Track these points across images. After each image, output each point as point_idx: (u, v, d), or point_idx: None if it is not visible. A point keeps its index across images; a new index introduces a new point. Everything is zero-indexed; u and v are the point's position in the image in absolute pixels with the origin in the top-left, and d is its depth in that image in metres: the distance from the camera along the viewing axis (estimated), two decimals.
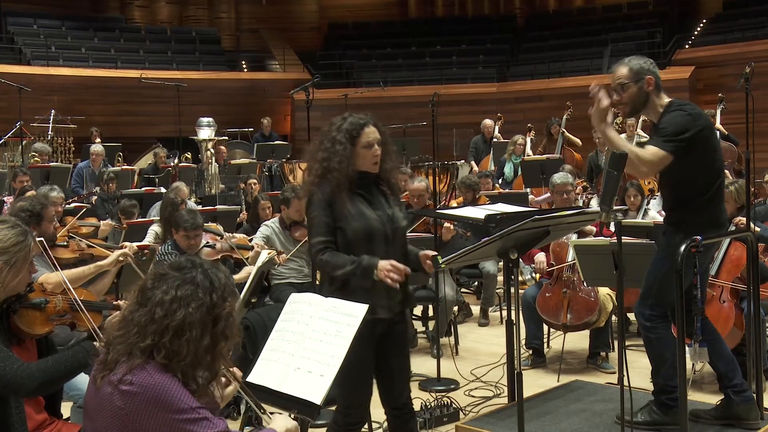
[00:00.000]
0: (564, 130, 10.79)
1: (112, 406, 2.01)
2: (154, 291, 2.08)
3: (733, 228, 5.05)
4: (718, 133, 9.41)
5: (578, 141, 10.84)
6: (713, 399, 4.22)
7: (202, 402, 2.08)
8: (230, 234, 6.07)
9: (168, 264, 2.17)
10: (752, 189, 4.91)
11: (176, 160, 11.34)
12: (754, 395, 4.01)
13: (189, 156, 12.12)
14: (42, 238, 3.53)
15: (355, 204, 3.17)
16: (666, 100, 3.79)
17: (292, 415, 2.53)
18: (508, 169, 10.56)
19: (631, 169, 3.70)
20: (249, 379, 2.69)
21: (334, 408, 3.33)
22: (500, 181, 10.50)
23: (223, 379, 2.36)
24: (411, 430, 3.38)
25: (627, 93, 3.78)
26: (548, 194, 7.55)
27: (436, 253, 3.21)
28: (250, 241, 5.92)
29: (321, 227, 3.16)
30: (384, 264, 3.03)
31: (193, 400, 2.04)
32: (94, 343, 2.85)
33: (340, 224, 3.15)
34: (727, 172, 8.85)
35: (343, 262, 3.10)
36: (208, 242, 5.20)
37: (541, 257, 5.58)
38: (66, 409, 3.48)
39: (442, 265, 2.94)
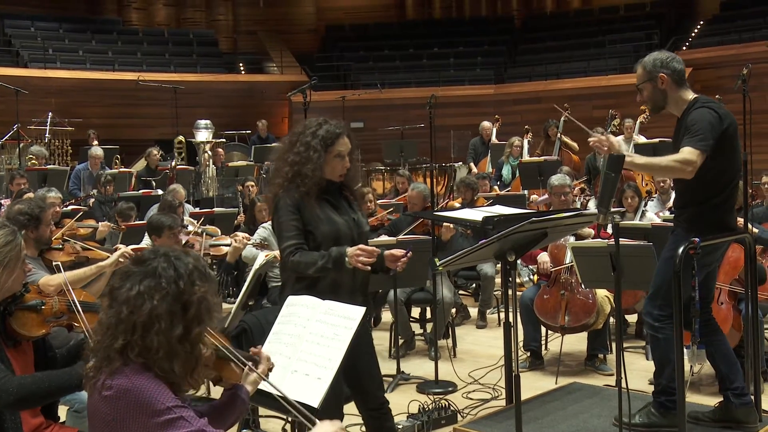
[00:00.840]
0: (561, 134, 10.79)
1: (101, 413, 2.00)
2: (120, 290, 2.05)
3: None
4: None
5: (575, 145, 10.84)
6: (712, 401, 4.22)
7: (185, 396, 2.06)
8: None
9: (131, 260, 2.14)
10: (750, 191, 4.91)
11: (173, 162, 11.33)
12: (752, 395, 4.00)
13: (182, 150, 12.05)
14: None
15: (322, 209, 3.23)
16: (691, 95, 3.78)
17: (290, 419, 2.52)
18: (506, 171, 10.56)
19: (674, 175, 3.72)
20: None
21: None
22: (498, 183, 10.50)
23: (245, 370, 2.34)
24: (390, 429, 3.37)
25: (645, 93, 3.83)
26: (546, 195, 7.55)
27: (404, 252, 3.23)
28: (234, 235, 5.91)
29: (291, 230, 3.20)
30: (352, 250, 3.10)
31: (170, 399, 1.99)
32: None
33: (310, 228, 3.20)
34: None
35: (313, 258, 3.15)
36: (186, 243, 5.19)
37: (544, 257, 5.57)
38: (63, 411, 3.47)
39: (440, 268, 2.94)
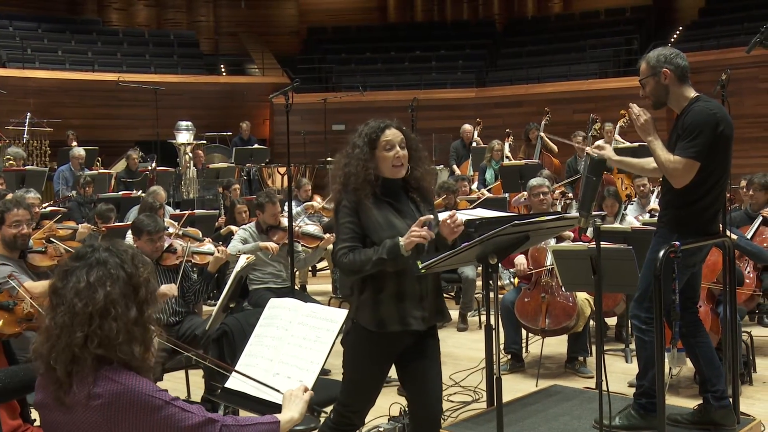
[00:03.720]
0: (543, 134, 10.84)
1: (89, 423, 1.98)
2: (65, 288, 2.04)
3: None
4: None
5: (554, 147, 10.89)
6: (690, 403, 4.25)
7: (148, 375, 2.07)
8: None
9: (67, 259, 2.14)
10: (728, 195, 4.95)
11: (153, 164, 11.27)
12: (730, 397, 4.04)
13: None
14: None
15: (382, 213, 3.07)
16: (693, 93, 3.79)
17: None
18: (489, 175, 10.57)
19: (654, 175, 3.78)
20: (227, 384, 2.67)
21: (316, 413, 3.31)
22: (484, 187, 10.50)
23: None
24: None
25: (648, 88, 3.85)
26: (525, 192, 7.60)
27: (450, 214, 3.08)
28: (220, 244, 5.87)
29: (346, 233, 3.06)
30: (407, 235, 2.94)
31: (165, 393, 2.03)
32: None
33: (368, 234, 3.06)
34: None
35: (366, 256, 3.00)
36: (169, 247, 5.15)
37: (521, 260, 5.59)
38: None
39: (422, 270, 2.93)
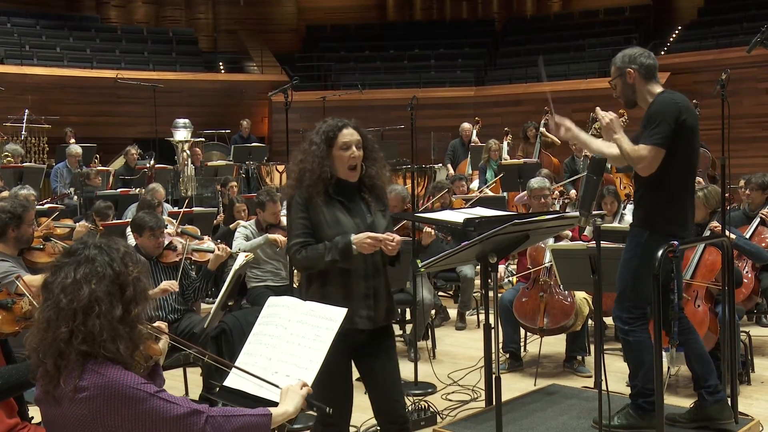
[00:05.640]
0: (543, 129, 10.82)
1: (77, 417, 1.99)
2: (55, 282, 2.06)
3: (709, 233, 5.10)
4: None
5: (557, 140, 10.87)
6: (689, 402, 4.25)
7: (138, 372, 2.08)
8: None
9: (60, 254, 2.16)
10: (726, 194, 4.95)
11: (152, 161, 11.25)
12: (728, 397, 4.04)
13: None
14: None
15: (331, 210, 3.12)
16: (658, 89, 3.80)
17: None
18: (489, 175, 10.56)
19: (619, 164, 3.76)
20: (226, 383, 2.65)
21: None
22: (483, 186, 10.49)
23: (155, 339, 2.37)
24: None
25: (618, 88, 3.88)
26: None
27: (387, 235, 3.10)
28: (219, 242, 5.86)
29: (298, 228, 3.13)
30: (359, 238, 3.01)
31: (149, 386, 2.04)
32: None
33: (315, 230, 3.11)
34: (699, 178, 8.94)
35: (318, 253, 3.07)
36: (169, 244, 5.14)
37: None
38: (35, 411, 3.43)
39: (422, 269, 2.92)
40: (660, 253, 3.45)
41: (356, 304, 3.07)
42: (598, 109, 3.90)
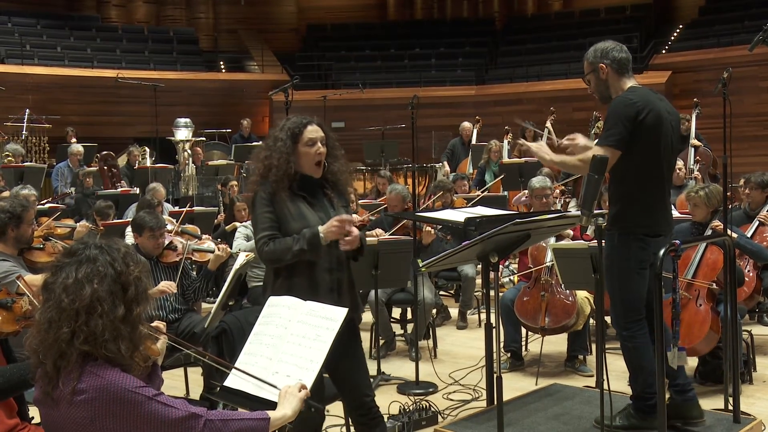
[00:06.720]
0: (549, 127, 10.82)
1: (75, 419, 1.99)
2: (56, 282, 2.06)
3: (710, 232, 5.09)
4: (693, 133, 9.50)
5: (557, 140, 10.85)
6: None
7: (136, 372, 2.08)
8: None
9: (61, 254, 2.15)
10: (728, 193, 4.94)
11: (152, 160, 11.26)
12: (731, 396, 4.02)
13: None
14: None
15: (295, 205, 3.18)
16: (629, 84, 3.74)
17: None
18: (488, 177, 10.54)
19: (581, 173, 3.73)
20: (226, 383, 2.65)
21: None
22: (478, 187, 10.49)
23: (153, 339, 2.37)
24: None
25: (592, 84, 3.83)
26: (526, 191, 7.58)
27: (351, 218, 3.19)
28: (219, 241, 5.85)
29: (264, 222, 3.17)
30: (327, 224, 3.08)
31: (148, 389, 2.03)
32: None
33: (280, 224, 3.17)
34: (699, 176, 8.93)
35: (285, 245, 3.12)
36: (170, 244, 5.13)
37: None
38: (35, 411, 3.42)
39: (423, 269, 2.92)
40: (662, 252, 3.43)
41: (322, 297, 3.07)
42: (529, 144, 3.92)
